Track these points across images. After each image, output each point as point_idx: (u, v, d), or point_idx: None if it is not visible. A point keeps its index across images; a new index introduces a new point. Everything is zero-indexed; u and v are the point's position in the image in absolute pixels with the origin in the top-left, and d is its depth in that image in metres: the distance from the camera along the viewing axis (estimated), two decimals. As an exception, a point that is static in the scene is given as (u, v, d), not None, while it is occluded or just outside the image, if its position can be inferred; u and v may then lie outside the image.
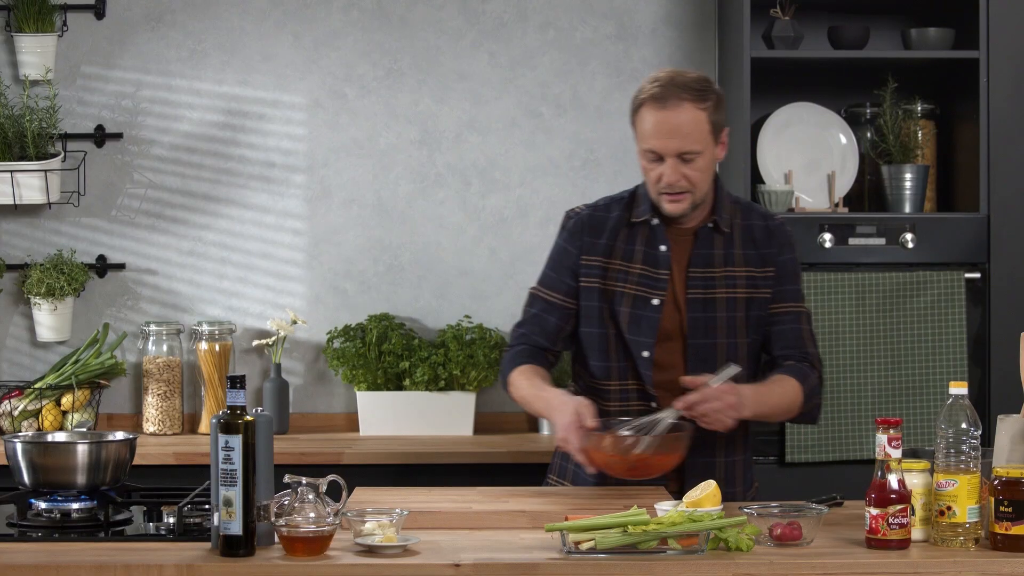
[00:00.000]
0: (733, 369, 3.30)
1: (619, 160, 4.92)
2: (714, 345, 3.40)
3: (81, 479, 3.11)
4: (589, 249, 3.45)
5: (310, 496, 2.80)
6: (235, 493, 2.74)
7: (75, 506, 3.11)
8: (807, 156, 4.75)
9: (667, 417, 3.29)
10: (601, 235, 3.44)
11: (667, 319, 3.40)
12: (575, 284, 3.46)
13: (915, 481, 2.88)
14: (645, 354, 3.39)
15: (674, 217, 3.40)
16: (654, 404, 3.40)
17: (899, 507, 2.82)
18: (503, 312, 4.92)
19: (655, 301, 3.39)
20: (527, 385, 3.42)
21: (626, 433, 3.25)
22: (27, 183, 4.71)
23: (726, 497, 3.31)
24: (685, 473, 3.40)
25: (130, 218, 4.93)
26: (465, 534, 3.01)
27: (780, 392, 3.38)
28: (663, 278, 3.40)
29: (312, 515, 2.78)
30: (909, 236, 4.53)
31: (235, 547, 2.75)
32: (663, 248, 3.41)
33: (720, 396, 3.24)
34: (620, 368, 3.44)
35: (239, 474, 2.75)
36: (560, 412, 3.27)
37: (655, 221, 3.42)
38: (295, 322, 4.81)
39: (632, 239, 3.43)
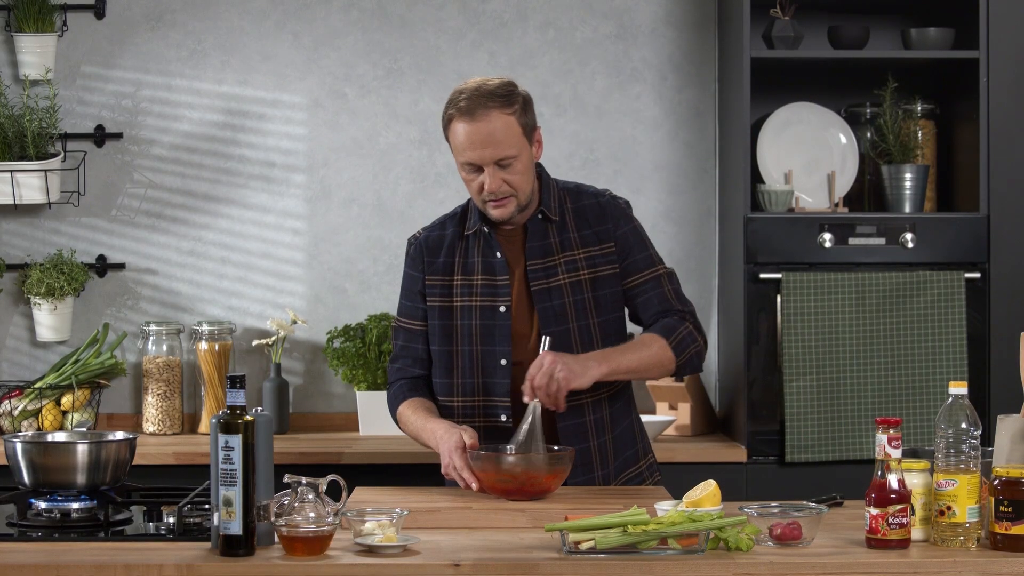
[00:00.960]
0: (546, 341, 3.32)
1: (619, 160, 4.93)
2: (568, 331, 3.42)
3: (81, 479, 3.11)
4: (430, 269, 3.51)
5: (310, 496, 2.80)
6: (235, 493, 2.74)
7: (75, 506, 3.11)
8: (807, 156, 4.75)
9: (533, 412, 3.31)
10: (439, 254, 3.51)
11: (517, 321, 3.45)
12: (425, 307, 3.52)
13: (915, 481, 2.88)
14: (503, 362, 3.44)
15: (502, 222, 3.44)
16: (504, 418, 3.44)
17: (899, 507, 2.82)
18: (503, 312, 4.92)
19: (502, 308, 3.45)
20: (414, 419, 3.48)
21: (511, 453, 3.29)
22: (27, 183, 4.71)
23: (603, 479, 3.45)
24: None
25: (130, 218, 4.93)
26: (465, 534, 3.01)
27: (637, 347, 3.40)
28: (504, 283, 3.45)
29: (312, 515, 2.78)
30: (909, 236, 4.53)
31: (235, 547, 2.75)
32: (499, 255, 3.47)
33: (540, 366, 3.27)
34: (465, 384, 3.48)
35: (239, 474, 2.74)
36: (444, 440, 3.34)
37: (486, 229, 3.47)
38: (295, 322, 4.81)
39: (469, 252, 3.50)
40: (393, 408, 3.58)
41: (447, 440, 3.34)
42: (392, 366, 3.58)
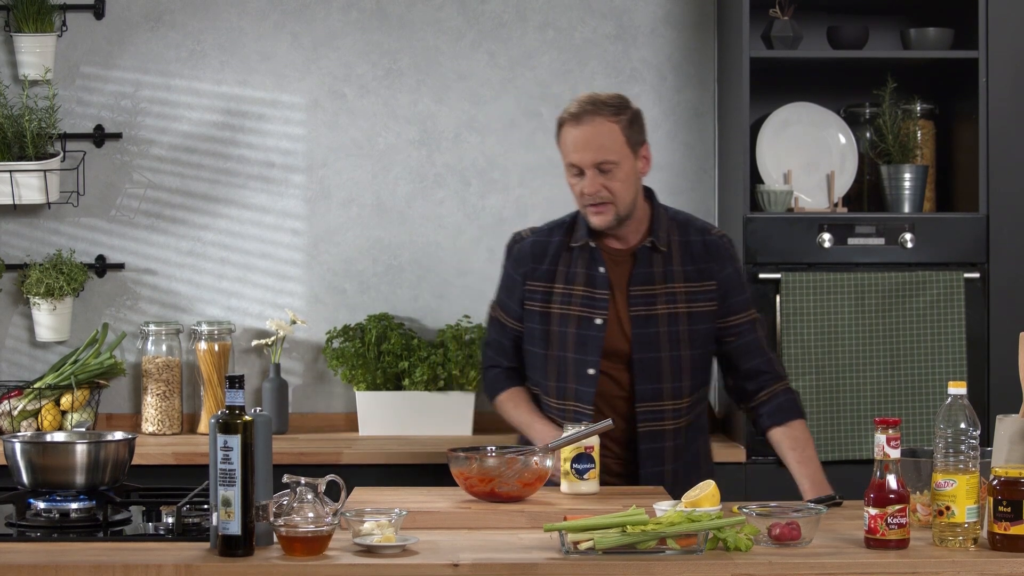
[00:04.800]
0: (607, 423, 3.41)
1: (618, 160, 4.92)
2: (658, 359, 3.56)
3: (80, 479, 3.11)
4: (532, 275, 3.64)
5: (309, 496, 2.80)
6: (234, 493, 2.74)
7: (74, 506, 3.11)
8: (806, 156, 4.75)
9: (588, 428, 3.39)
10: (543, 260, 3.63)
11: (611, 337, 3.57)
12: (521, 310, 3.66)
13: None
14: (591, 371, 3.57)
15: (601, 231, 3.55)
16: (584, 425, 3.48)
17: (898, 507, 2.82)
18: (502, 312, 4.92)
19: (598, 321, 3.57)
20: (516, 413, 3.68)
21: (491, 455, 3.35)
22: (26, 183, 4.71)
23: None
24: (640, 482, 3.58)
25: (129, 218, 4.93)
26: (464, 534, 3.01)
27: (810, 447, 3.55)
28: (603, 298, 3.57)
29: (311, 515, 2.78)
30: (908, 236, 4.53)
31: (234, 547, 2.75)
32: (601, 270, 3.58)
33: None
34: (558, 388, 3.62)
35: (238, 474, 2.75)
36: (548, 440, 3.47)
37: (592, 244, 3.59)
38: (294, 322, 4.81)
39: (573, 262, 3.61)
40: (493, 391, 3.75)
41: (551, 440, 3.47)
42: (486, 351, 3.77)
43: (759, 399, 3.60)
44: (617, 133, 3.49)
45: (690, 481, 3.55)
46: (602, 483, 3.46)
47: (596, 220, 3.52)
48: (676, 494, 3.50)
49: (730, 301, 3.60)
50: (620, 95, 3.56)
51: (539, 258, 3.63)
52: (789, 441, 3.53)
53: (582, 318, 3.56)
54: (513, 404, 3.68)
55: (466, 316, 4.88)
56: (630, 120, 3.51)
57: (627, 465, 3.59)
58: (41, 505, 3.11)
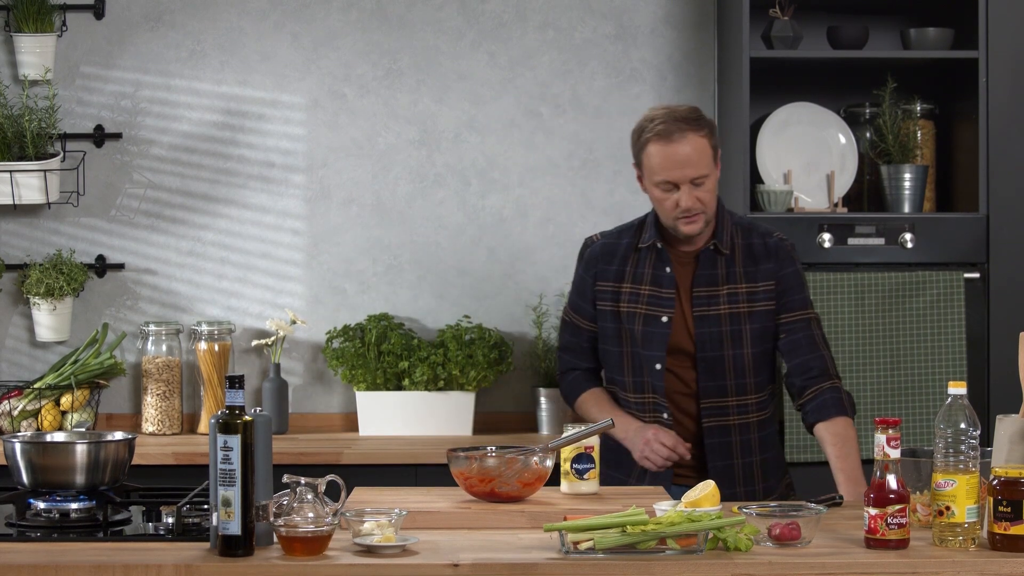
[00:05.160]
0: (607, 423, 3.48)
1: (618, 160, 4.92)
2: (721, 357, 3.68)
3: (80, 479, 3.11)
4: (602, 275, 3.78)
5: (309, 496, 2.80)
6: (234, 493, 2.74)
7: (74, 506, 3.11)
8: (806, 156, 4.75)
9: (587, 430, 3.42)
10: (612, 261, 3.78)
11: (676, 335, 3.70)
12: (594, 310, 3.79)
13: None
14: (657, 366, 3.70)
15: (688, 237, 3.67)
16: (666, 415, 3.70)
17: (898, 507, 2.82)
18: (502, 312, 4.93)
19: (664, 318, 3.70)
20: (596, 411, 3.78)
21: (491, 455, 3.36)
22: (26, 183, 4.71)
23: (745, 495, 3.68)
24: (709, 476, 3.60)
25: (129, 218, 4.93)
26: (464, 534, 3.01)
27: (852, 443, 3.60)
28: (669, 297, 3.70)
29: (311, 515, 2.78)
30: (908, 236, 4.53)
31: (234, 547, 2.75)
32: (668, 270, 3.72)
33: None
34: (636, 382, 3.75)
35: (238, 474, 2.75)
36: (639, 432, 3.66)
37: (659, 245, 3.72)
38: (294, 322, 4.81)
39: (640, 263, 3.74)
40: (572, 394, 3.87)
41: (642, 431, 3.65)
42: (562, 355, 3.90)
43: (806, 396, 3.68)
44: (706, 147, 3.61)
45: (764, 478, 3.74)
46: (676, 475, 3.63)
47: (689, 228, 3.64)
48: (749, 491, 3.68)
49: (786, 299, 3.70)
50: (695, 107, 3.67)
51: (608, 259, 3.77)
52: (831, 437, 3.60)
53: (648, 315, 3.70)
54: (594, 402, 3.80)
55: (466, 316, 4.88)
56: (712, 131, 3.65)
57: (697, 460, 3.71)
58: (41, 505, 3.11)
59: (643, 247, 3.74)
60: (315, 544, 2.77)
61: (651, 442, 3.63)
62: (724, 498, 3.52)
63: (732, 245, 3.71)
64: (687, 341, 3.69)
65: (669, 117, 3.62)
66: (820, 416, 3.64)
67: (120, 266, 4.92)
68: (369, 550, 2.79)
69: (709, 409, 3.69)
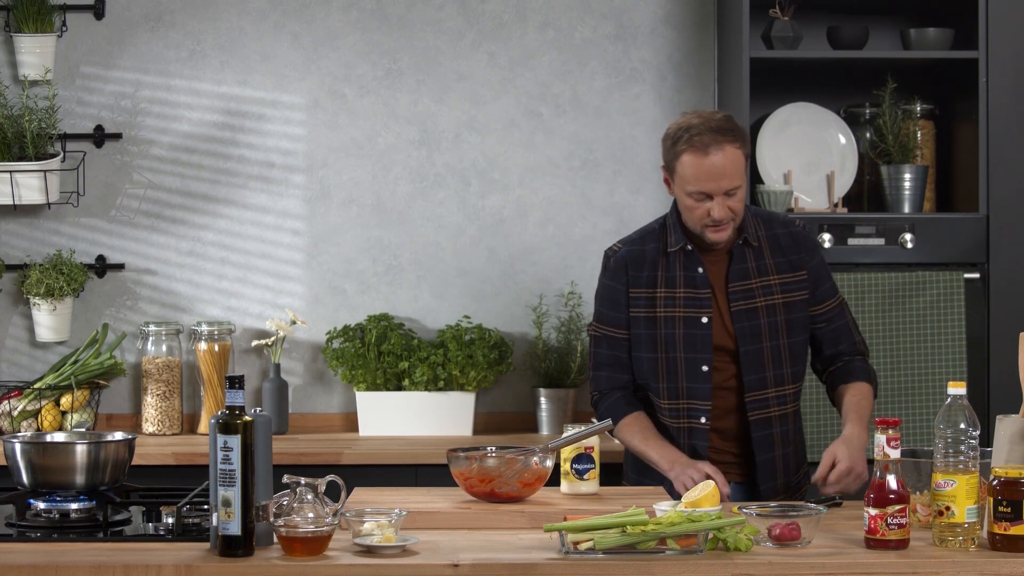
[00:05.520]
0: (607, 423, 3.49)
1: (618, 160, 4.93)
2: (761, 350, 3.68)
3: (80, 479, 3.11)
4: (634, 282, 3.72)
5: (309, 496, 2.81)
6: (234, 493, 2.74)
7: (74, 506, 3.11)
8: (806, 156, 4.74)
9: (587, 430, 3.43)
10: (642, 268, 3.73)
11: (717, 333, 3.68)
12: (628, 317, 3.73)
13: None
14: (704, 368, 3.67)
15: (715, 245, 3.66)
16: (703, 420, 3.66)
17: (898, 507, 2.82)
18: (502, 312, 4.92)
19: (704, 319, 3.68)
20: (638, 441, 3.68)
21: (491, 455, 3.36)
22: (26, 183, 4.71)
23: (785, 487, 3.69)
24: (757, 470, 3.67)
25: (129, 218, 4.93)
26: (464, 534, 3.01)
27: (866, 402, 3.67)
28: (706, 297, 3.68)
29: (311, 515, 2.78)
30: (908, 236, 4.53)
31: (234, 547, 2.75)
32: (700, 270, 3.70)
33: (849, 470, 3.48)
34: (670, 389, 3.69)
35: (238, 474, 2.75)
36: (683, 465, 3.55)
37: (689, 247, 3.70)
38: (294, 322, 4.81)
39: (670, 266, 3.72)
40: (614, 418, 3.71)
41: (687, 469, 3.52)
42: (599, 374, 3.77)
43: (836, 364, 3.74)
44: (740, 157, 3.60)
45: (797, 467, 3.75)
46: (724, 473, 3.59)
47: (717, 236, 3.62)
48: (783, 482, 3.67)
49: (820, 288, 3.73)
50: (728, 115, 3.65)
51: (638, 266, 3.72)
52: (851, 389, 3.67)
53: (688, 318, 3.67)
54: (638, 429, 3.69)
55: (466, 316, 4.88)
56: (744, 141, 3.63)
57: (740, 458, 3.70)
58: (41, 505, 3.11)
59: (672, 251, 3.70)
60: (315, 544, 2.77)
61: (695, 469, 3.53)
62: (766, 489, 3.66)
63: (758, 237, 3.71)
64: (726, 338, 3.67)
65: (705, 127, 3.58)
66: (845, 380, 3.69)
67: (120, 266, 4.92)
68: (369, 550, 2.79)
69: (753, 403, 3.66)
